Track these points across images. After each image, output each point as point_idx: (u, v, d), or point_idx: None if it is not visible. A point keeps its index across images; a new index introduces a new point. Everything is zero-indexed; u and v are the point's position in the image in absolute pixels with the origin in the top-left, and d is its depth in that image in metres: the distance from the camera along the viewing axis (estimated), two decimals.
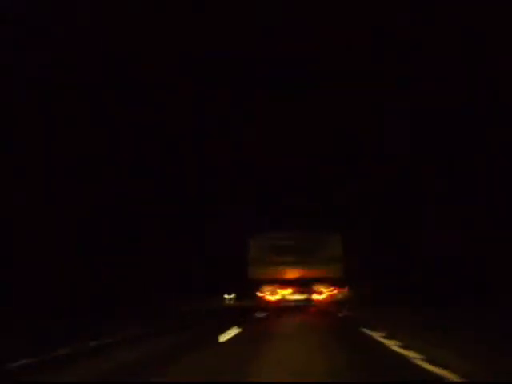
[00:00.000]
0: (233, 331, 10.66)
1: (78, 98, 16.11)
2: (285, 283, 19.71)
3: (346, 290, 22.23)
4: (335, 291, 19.95)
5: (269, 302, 19.63)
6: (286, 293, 19.59)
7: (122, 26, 16.89)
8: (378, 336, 8.75)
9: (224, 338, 9.47)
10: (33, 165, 14.81)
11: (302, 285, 19.55)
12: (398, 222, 24.00)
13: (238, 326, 11.68)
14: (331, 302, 19.93)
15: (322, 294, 19.56)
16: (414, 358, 6.22)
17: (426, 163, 22.09)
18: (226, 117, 26.18)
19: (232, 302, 30.19)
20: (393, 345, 7.49)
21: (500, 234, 16.43)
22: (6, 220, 13.51)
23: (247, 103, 25.59)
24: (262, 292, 19.80)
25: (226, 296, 30.93)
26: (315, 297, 19.54)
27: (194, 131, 25.88)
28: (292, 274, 19.80)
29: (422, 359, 6.07)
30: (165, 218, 23.47)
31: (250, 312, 18.55)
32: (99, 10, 16.20)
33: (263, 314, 17.52)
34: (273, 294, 19.65)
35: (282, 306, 19.33)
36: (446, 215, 20.25)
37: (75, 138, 15.95)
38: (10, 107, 14.15)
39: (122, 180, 19.55)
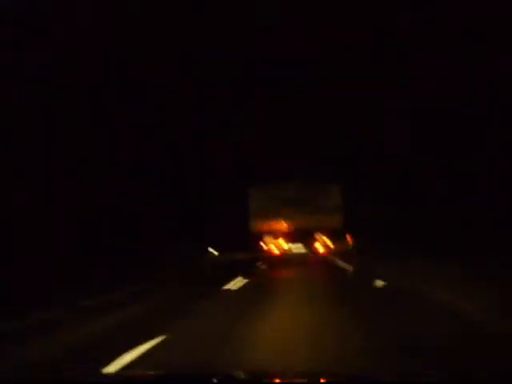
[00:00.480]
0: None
1: (78, 97, 16.12)
2: (286, 234, 19.84)
3: (345, 241, 21.45)
4: (335, 241, 19.97)
5: (271, 253, 19.89)
6: (286, 244, 19.89)
7: (122, 25, 16.90)
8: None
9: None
10: (33, 165, 14.81)
11: (303, 236, 19.73)
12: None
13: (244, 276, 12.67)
14: (330, 253, 20.05)
15: (321, 244, 19.84)
16: None
17: (426, 163, 22.02)
18: (226, 117, 26.12)
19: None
20: None
21: (500, 234, 16.43)
22: (5, 220, 13.54)
23: (247, 103, 25.59)
24: (264, 243, 20.07)
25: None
26: (315, 247, 19.87)
27: (194, 131, 25.83)
28: (293, 224, 19.71)
29: None
30: (165, 217, 23.47)
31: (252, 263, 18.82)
32: (99, 10, 16.21)
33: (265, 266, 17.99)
34: (275, 246, 19.92)
35: (284, 257, 19.59)
36: (446, 215, 20.22)
37: (75, 137, 15.96)
38: (10, 107, 14.16)
39: (122, 180, 19.54)
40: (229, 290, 10.41)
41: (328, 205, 19.58)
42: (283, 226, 19.87)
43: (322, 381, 2.43)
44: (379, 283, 10.01)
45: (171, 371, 3.12)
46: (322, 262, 18.76)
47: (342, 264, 16.75)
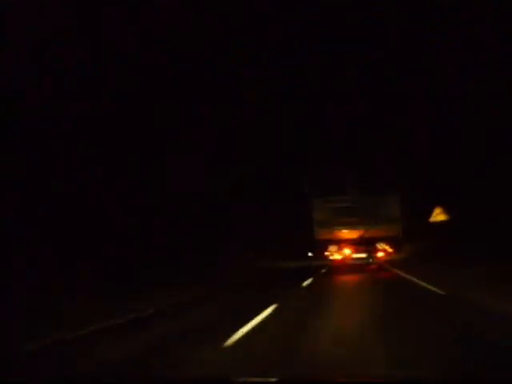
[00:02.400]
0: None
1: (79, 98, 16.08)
2: (347, 242, 21.33)
3: (403, 248, 23.38)
4: (393, 249, 21.43)
5: (334, 261, 21.72)
6: (349, 251, 21.40)
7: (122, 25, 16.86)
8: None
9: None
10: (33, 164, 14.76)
11: (364, 244, 21.16)
12: None
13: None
14: (390, 260, 21.94)
15: (381, 252, 21.24)
16: None
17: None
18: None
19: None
20: None
21: None
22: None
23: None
24: (327, 251, 21.73)
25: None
26: (375, 255, 21.35)
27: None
28: (354, 233, 21.24)
29: None
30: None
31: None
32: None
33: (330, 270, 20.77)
34: (337, 253, 21.51)
35: (346, 264, 21.30)
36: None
37: (75, 138, 15.92)
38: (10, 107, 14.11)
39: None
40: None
41: (388, 214, 20.91)
42: (346, 234, 21.33)
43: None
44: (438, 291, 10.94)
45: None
46: (382, 268, 20.47)
47: (402, 271, 17.79)
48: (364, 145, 24.33)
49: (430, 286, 11.93)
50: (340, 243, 21.41)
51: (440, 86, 21.63)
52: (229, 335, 6.49)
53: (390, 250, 21.30)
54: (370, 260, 21.44)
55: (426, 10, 19.58)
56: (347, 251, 21.36)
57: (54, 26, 14.10)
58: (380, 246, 21.17)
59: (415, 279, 14.25)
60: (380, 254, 21.31)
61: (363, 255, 21.45)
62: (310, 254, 32.11)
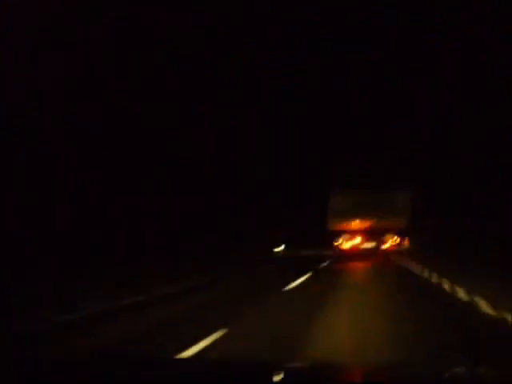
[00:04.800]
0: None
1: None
2: (356, 233, 22.97)
3: (407, 240, 24.47)
4: (399, 241, 22.96)
5: (342, 250, 23.19)
6: (358, 241, 22.98)
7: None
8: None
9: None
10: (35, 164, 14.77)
11: (371, 235, 22.76)
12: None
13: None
14: (395, 250, 22.86)
15: (389, 242, 22.80)
16: None
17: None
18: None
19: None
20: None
21: None
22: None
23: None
24: (337, 241, 23.38)
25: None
26: (382, 245, 22.83)
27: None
28: (363, 225, 22.85)
29: None
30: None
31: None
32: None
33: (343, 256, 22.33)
34: (347, 243, 23.12)
35: (358, 252, 22.62)
36: None
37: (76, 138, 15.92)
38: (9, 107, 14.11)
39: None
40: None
41: (396, 208, 22.01)
42: (357, 225, 22.91)
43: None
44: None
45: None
46: (386, 257, 21.63)
47: (406, 261, 18.87)
48: (377, 143, 25.16)
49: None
50: (351, 233, 22.95)
51: (440, 86, 21.63)
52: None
53: (396, 241, 22.75)
54: (378, 248, 22.68)
55: (426, 9, 19.59)
56: (357, 241, 22.84)
57: (53, 26, 14.10)
58: (388, 237, 22.63)
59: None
60: (387, 245, 22.68)
61: (372, 244, 22.78)
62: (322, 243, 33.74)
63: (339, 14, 21.95)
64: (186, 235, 21.06)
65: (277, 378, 2.23)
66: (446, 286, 10.30)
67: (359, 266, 19.33)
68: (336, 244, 23.37)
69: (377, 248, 22.72)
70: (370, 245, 22.77)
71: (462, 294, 8.87)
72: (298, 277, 13.46)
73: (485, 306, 7.32)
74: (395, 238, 22.79)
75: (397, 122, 25.55)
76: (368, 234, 22.71)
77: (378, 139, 27.00)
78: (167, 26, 18.52)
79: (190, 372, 2.36)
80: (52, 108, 14.65)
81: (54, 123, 14.84)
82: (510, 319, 6.33)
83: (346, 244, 23.05)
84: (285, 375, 2.27)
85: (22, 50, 13.75)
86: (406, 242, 23.40)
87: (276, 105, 26.49)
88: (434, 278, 11.99)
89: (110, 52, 16.80)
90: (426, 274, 13.50)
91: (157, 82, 18.90)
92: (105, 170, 17.32)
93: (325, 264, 19.78)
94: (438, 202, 25.54)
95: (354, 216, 22.57)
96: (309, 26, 22.24)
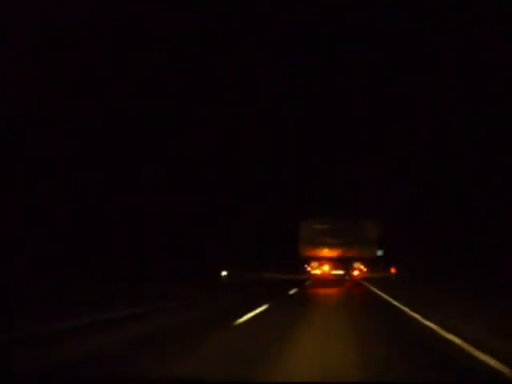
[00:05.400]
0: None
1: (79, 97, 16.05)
2: (327, 260, 24.28)
3: (380, 268, 27.49)
4: (367, 269, 24.75)
5: (314, 275, 24.54)
6: (328, 268, 24.31)
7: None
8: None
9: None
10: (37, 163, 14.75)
11: (342, 262, 24.09)
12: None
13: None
14: (364, 278, 24.68)
15: (357, 270, 24.26)
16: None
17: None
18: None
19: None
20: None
21: None
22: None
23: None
24: (309, 266, 24.98)
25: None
26: (351, 272, 24.20)
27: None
28: (334, 253, 24.09)
29: None
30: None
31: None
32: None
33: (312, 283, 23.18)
34: (318, 269, 24.44)
35: (325, 278, 23.95)
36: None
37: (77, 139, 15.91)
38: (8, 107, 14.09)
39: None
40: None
41: (365, 238, 23.58)
42: (326, 253, 24.20)
43: None
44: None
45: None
46: (355, 284, 22.81)
47: (374, 289, 19.23)
48: (377, 143, 26.34)
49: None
50: (321, 260, 24.40)
51: (440, 86, 21.61)
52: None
53: (364, 269, 24.58)
54: (347, 277, 24.17)
55: (426, 10, 19.58)
56: (326, 267, 24.32)
57: (54, 26, 14.09)
58: (356, 265, 24.21)
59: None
60: (356, 272, 24.28)
61: (341, 272, 24.27)
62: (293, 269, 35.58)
63: (339, 14, 21.93)
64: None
65: None
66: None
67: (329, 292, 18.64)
68: (309, 269, 25.03)
69: (346, 274, 24.14)
70: (338, 272, 24.19)
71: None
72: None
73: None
74: (364, 266, 24.43)
75: (397, 121, 25.54)
76: (337, 262, 24.08)
77: (378, 139, 27.00)
78: (167, 26, 18.51)
79: None
80: (52, 108, 14.63)
81: (54, 123, 14.83)
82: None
83: (316, 270, 24.45)
84: None
85: (22, 50, 13.74)
86: (376, 270, 26.07)
87: (276, 105, 26.48)
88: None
89: (110, 52, 16.79)
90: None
91: (157, 82, 18.88)
92: (105, 170, 17.31)
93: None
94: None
95: (323, 244, 23.97)
96: (309, 26, 22.23)
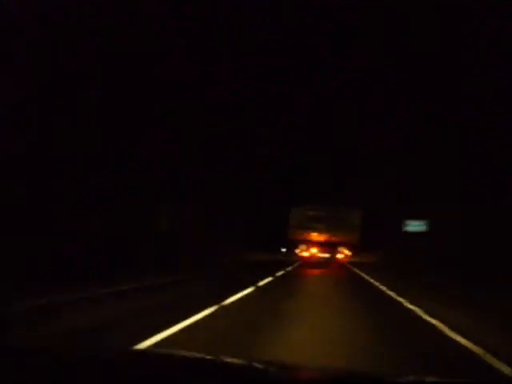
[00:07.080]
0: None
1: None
2: (315, 244, 26.62)
3: (361, 253, 29.99)
4: (351, 253, 27.35)
5: (302, 257, 26.95)
6: (316, 251, 26.71)
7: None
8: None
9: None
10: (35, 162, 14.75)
11: (328, 246, 26.45)
12: None
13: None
14: (347, 261, 27.27)
15: (341, 254, 26.85)
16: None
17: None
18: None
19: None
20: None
21: None
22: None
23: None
24: (298, 249, 27.39)
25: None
26: (336, 256, 26.70)
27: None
28: (321, 237, 26.46)
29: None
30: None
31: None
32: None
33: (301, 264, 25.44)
34: (306, 251, 26.89)
35: (312, 260, 26.08)
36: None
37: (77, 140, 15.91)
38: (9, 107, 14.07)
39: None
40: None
41: (349, 225, 25.78)
42: (314, 237, 26.41)
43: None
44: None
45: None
46: (340, 266, 25.08)
47: (356, 270, 22.35)
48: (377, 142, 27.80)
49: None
50: (309, 243, 26.58)
51: (440, 86, 21.62)
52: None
53: (348, 253, 27.04)
54: (332, 260, 26.32)
55: (426, 10, 19.58)
56: (314, 250, 26.62)
57: (53, 26, 14.09)
58: (341, 249, 26.57)
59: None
60: (340, 256, 26.74)
61: (327, 255, 26.49)
62: (283, 250, 40.41)
63: (339, 14, 21.92)
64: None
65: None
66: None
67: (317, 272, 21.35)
68: (297, 252, 27.31)
69: (331, 258, 26.33)
70: (325, 255, 26.45)
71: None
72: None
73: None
74: (348, 250, 26.87)
75: (395, 121, 25.58)
76: (324, 246, 26.35)
77: (377, 139, 27.11)
78: (167, 26, 18.51)
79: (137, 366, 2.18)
80: (52, 108, 14.63)
81: (54, 123, 14.82)
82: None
83: (304, 252, 26.77)
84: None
85: (21, 50, 13.74)
86: (358, 255, 28.84)
87: (276, 104, 26.47)
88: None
89: (110, 52, 16.79)
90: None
91: (157, 82, 18.89)
92: (105, 170, 17.32)
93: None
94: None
95: (312, 229, 26.12)
96: (309, 26, 22.22)
